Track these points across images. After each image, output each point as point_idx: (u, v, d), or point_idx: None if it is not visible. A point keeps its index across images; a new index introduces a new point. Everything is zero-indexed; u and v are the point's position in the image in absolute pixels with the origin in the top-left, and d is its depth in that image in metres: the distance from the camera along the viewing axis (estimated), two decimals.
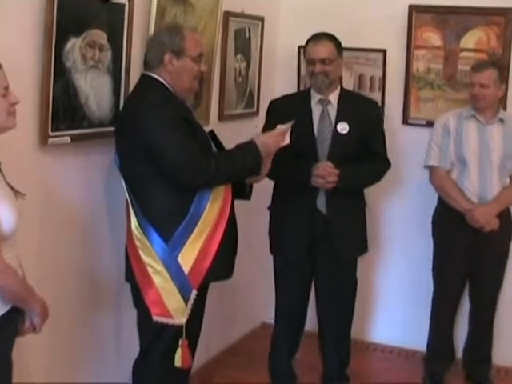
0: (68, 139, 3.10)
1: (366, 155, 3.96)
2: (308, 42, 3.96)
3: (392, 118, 4.70)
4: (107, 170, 3.40)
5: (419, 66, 4.60)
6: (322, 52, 3.87)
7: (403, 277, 4.76)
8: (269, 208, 4.10)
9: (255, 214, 4.21)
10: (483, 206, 4.01)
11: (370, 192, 4.20)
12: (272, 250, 4.09)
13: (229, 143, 3.69)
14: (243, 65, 4.54)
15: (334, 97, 3.95)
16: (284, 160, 3.58)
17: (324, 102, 3.95)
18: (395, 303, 4.84)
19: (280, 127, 3.38)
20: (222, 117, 4.34)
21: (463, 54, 4.51)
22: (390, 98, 4.70)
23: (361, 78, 4.74)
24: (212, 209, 3.17)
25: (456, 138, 4.08)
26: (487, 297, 4.23)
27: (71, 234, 3.26)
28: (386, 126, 4.64)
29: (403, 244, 4.77)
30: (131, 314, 3.33)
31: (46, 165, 3.05)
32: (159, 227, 3.09)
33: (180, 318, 3.12)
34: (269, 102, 4.15)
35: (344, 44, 4.60)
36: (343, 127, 3.89)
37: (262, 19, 4.63)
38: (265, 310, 4.69)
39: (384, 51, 4.66)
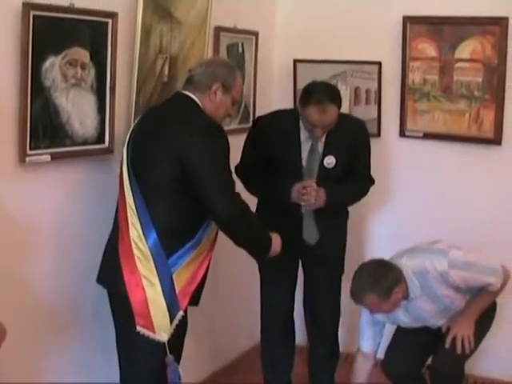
0: (48, 157, 3.10)
1: (350, 175, 3.92)
2: (310, 102, 3.67)
3: (389, 131, 4.66)
4: (90, 189, 3.40)
5: (415, 77, 4.55)
6: (327, 121, 3.71)
7: None
8: None
9: None
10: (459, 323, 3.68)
11: (364, 204, 4.17)
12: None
13: None
14: None
15: None
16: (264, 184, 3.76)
17: (314, 139, 3.84)
18: None
19: None
20: None
21: (459, 64, 4.44)
22: (386, 110, 4.66)
23: (356, 90, 4.70)
24: (209, 238, 3.23)
25: (387, 320, 3.76)
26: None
27: (49, 253, 3.25)
28: (382, 139, 4.65)
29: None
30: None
31: (24, 183, 3.05)
32: (164, 241, 3.08)
33: (162, 335, 3.11)
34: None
35: (339, 57, 4.62)
36: (330, 161, 3.84)
37: (255, 34, 4.61)
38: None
39: (379, 63, 4.62)
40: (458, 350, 3.61)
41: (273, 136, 3.87)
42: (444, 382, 3.70)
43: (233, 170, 3.36)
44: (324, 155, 3.84)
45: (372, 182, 4.04)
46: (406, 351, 3.79)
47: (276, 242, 3.38)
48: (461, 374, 3.72)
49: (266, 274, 4.08)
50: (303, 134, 3.85)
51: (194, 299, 3.24)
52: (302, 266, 4.08)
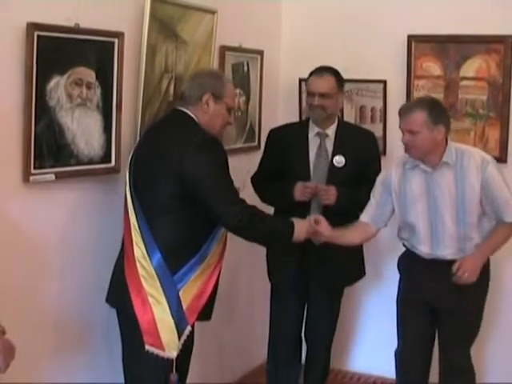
0: (52, 176, 3.11)
1: (361, 182, 3.94)
2: (311, 74, 4.00)
3: (394, 149, 4.64)
4: (96, 208, 3.41)
5: (420, 95, 4.54)
6: (322, 86, 3.91)
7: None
8: None
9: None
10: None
11: None
12: (268, 276, 4.14)
13: None
14: (242, 99, 4.54)
15: (331, 130, 3.98)
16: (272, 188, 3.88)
17: (322, 135, 3.98)
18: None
19: None
20: None
21: (463, 82, 4.47)
22: (391, 128, 4.63)
23: (362, 109, 4.72)
24: (216, 251, 3.25)
25: (399, 196, 3.69)
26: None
27: (54, 272, 3.26)
28: (388, 157, 4.65)
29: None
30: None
31: (28, 202, 3.06)
32: (169, 259, 3.10)
33: (171, 352, 3.13)
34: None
35: (344, 75, 4.60)
36: (340, 160, 3.92)
37: (261, 53, 4.64)
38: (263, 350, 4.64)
39: (384, 82, 4.64)
40: (459, 280, 3.53)
41: (283, 141, 4.04)
42: (459, 372, 3.76)
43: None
44: (334, 154, 3.93)
45: None
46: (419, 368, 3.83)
47: (299, 226, 3.38)
48: (471, 361, 3.77)
49: (276, 292, 4.12)
50: (311, 133, 3.99)
51: (206, 314, 3.26)
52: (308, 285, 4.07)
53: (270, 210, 4.04)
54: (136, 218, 3.15)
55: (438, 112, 3.52)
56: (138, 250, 3.12)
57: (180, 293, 3.11)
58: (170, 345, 3.11)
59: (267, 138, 4.21)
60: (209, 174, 3.09)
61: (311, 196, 3.84)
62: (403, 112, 3.55)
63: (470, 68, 4.44)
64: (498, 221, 3.58)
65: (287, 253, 3.94)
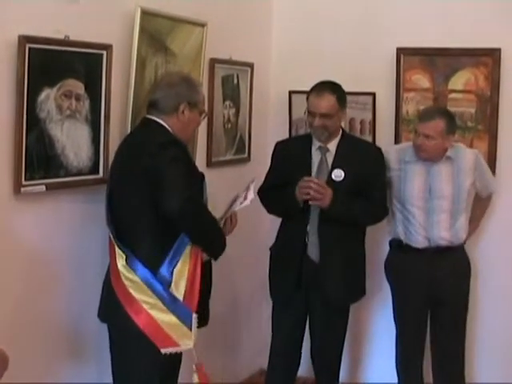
0: (43, 188, 3.12)
1: (365, 198, 3.94)
2: (311, 91, 3.94)
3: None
4: (86, 219, 3.41)
5: (409, 108, 4.59)
6: (323, 107, 3.86)
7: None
8: (270, 249, 4.14)
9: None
10: None
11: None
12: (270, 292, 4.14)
13: (218, 189, 3.72)
14: (232, 111, 4.55)
15: (333, 144, 3.97)
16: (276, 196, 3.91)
17: (323, 150, 3.97)
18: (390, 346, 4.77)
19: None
20: (210, 163, 4.34)
21: (452, 95, 4.50)
22: (380, 141, 4.65)
23: (351, 121, 4.71)
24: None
25: (397, 183, 4.09)
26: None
27: (45, 283, 3.25)
28: None
29: None
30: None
31: (19, 213, 3.07)
32: (150, 265, 3.11)
33: (186, 344, 3.14)
34: (261, 147, 4.33)
35: None
36: (338, 174, 3.89)
37: (251, 65, 4.65)
38: (263, 356, 4.62)
39: (373, 94, 4.65)
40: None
41: (287, 155, 4.08)
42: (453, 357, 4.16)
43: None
44: (333, 168, 3.91)
45: (386, 210, 4.08)
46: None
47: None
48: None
49: (275, 308, 4.13)
50: (314, 147, 3.99)
51: (201, 319, 3.25)
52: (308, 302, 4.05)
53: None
54: (115, 231, 3.18)
55: (454, 123, 4.01)
56: (119, 260, 3.14)
57: (171, 289, 3.12)
58: (183, 338, 3.12)
59: (273, 151, 4.21)
60: (169, 167, 3.07)
61: (311, 191, 3.77)
62: (424, 116, 3.99)
63: (459, 81, 4.47)
64: (482, 194, 4.21)
65: (284, 270, 3.98)
